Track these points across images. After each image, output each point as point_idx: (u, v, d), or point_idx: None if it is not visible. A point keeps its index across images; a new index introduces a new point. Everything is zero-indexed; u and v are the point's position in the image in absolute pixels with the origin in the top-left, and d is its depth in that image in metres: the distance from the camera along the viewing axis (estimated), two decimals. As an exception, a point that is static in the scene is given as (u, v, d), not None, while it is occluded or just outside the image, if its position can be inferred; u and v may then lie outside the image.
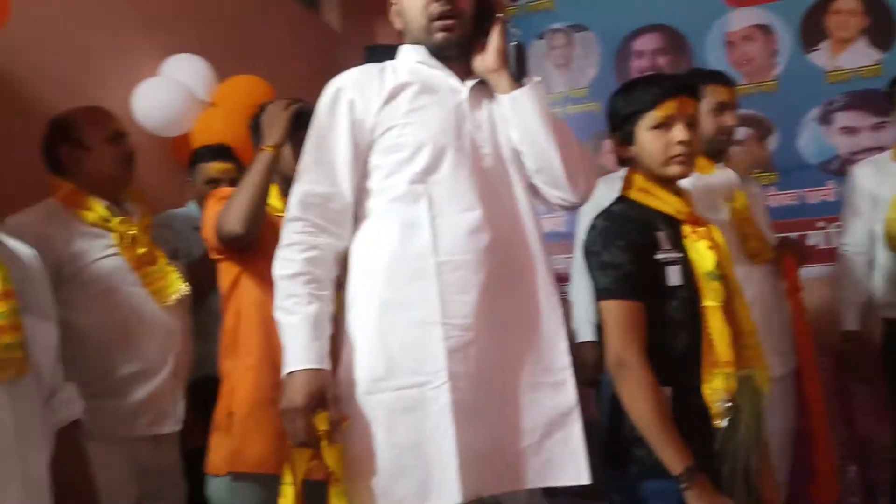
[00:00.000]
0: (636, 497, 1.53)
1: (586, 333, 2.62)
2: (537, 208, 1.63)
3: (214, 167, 2.58)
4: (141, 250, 1.96)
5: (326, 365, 1.44)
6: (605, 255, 1.56)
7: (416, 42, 1.62)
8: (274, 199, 1.91)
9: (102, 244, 1.94)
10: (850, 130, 3.40)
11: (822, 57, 3.47)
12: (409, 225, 1.50)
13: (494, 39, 1.59)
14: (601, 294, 1.57)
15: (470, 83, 1.60)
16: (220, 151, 2.61)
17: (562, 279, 2.93)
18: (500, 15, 1.63)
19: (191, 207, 2.67)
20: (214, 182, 2.54)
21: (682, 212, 1.62)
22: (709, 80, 2.24)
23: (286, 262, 1.50)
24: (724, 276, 1.57)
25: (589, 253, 1.60)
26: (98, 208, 1.96)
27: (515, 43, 3.53)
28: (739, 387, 1.50)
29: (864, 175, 2.58)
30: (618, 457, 1.57)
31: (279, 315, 1.48)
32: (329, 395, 1.42)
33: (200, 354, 2.16)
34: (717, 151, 2.26)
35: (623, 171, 1.72)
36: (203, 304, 2.30)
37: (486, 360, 1.47)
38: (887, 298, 2.53)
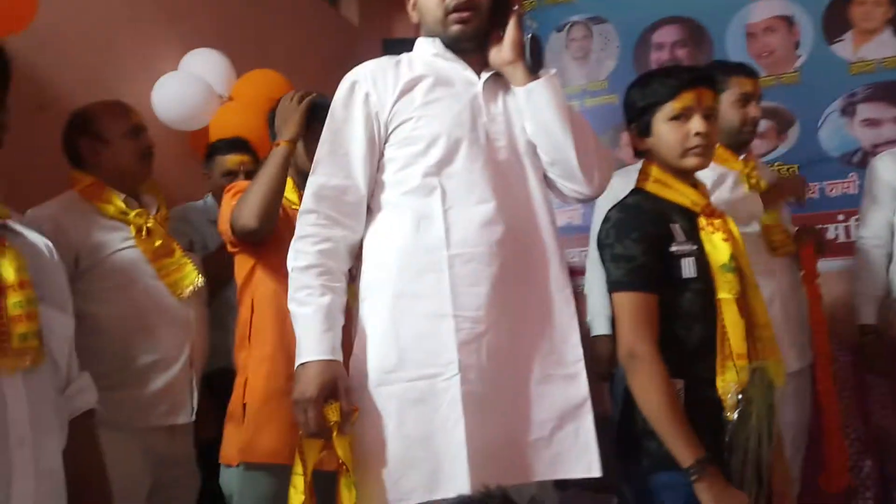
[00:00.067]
0: (647, 489, 1.52)
1: (601, 327, 2.61)
2: (552, 201, 1.62)
3: (231, 159, 2.60)
4: (157, 242, 1.98)
5: (338, 356, 1.45)
6: (619, 248, 1.55)
7: (432, 35, 1.62)
8: (289, 192, 1.92)
9: (120, 236, 1.96)
10: (872, 122, 3.34)
11: (845, 48, 3.41)
12: (422, 217, 1.50)
13: (510, 32, 1.58)
14: (614, 286, 1.56)
15: (485, 75, 1.60)
16: (236, 144, 2.63)
17: (578, 272, 2.93)
18: (516, 7, 1.62)
19: (208, 200, 2.69)
20: (231, 174, 2.56)
21: (699, 203, 1.61)
22: (733, 72, 2.23)
23: (300, 253, 1.51)
24: (738, 268, 1.56)
25: (602, 245, 1.60)
26: (116, 201, 1.98)
27: (531, 35, 3.52)
28: (751, 378, 1.49)
29: (885, 167, 2.55)
30: (629, 449, 1.56)
31: (292, 306, 1.49)
32: (341, 386, 1.43)
33: (217, 345, 2.18)
34: (740, 143, 2.24)
35: (639, 164, 1.71)
36: (219, 296, 2.32)
37: (497, 353, 1.47)
38: (906, 292, 2.49)
